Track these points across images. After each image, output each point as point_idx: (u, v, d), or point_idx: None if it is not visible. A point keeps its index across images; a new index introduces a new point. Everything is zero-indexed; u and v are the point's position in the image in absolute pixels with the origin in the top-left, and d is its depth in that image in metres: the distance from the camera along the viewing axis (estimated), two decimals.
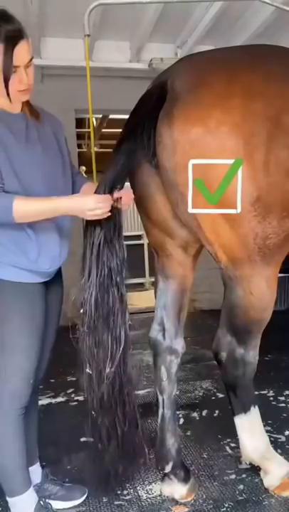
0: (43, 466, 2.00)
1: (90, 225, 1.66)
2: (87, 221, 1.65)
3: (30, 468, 1.86)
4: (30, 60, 1.55)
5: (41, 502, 1.81)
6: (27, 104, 1.67)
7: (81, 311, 1.64)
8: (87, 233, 1.68)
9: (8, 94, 1.55)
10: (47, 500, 1.89)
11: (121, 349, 1.67)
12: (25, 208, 1.54)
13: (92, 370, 1.66)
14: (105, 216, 1.60)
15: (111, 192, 1.61)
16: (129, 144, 1.66)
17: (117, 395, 1.70)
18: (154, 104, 1.64)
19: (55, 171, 1.70)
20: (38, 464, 1.97)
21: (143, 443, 1.80)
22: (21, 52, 1.51)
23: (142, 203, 1.84)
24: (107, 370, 1.65)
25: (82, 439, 2.41)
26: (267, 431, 2.02)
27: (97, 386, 1.67)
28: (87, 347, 1.68)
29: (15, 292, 1.65)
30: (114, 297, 1.67)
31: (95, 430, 1.75)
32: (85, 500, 1.96)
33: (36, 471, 1.95)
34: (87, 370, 1.66)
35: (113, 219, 1.64)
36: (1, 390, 1.67)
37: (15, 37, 1.50)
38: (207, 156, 1.55)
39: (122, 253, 1.68)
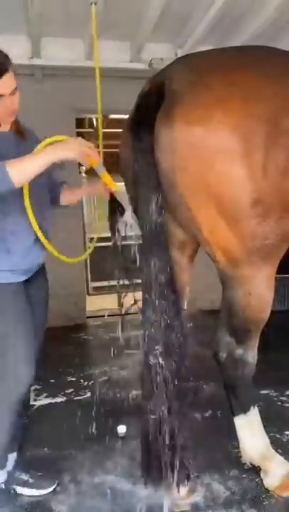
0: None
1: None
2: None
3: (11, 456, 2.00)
4: (15, 88, 1.71)
5: (3, 485, 1.92)
6: (15, 123, 1.84)
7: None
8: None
9: None
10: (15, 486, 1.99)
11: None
12: (19, 169, 1.58)
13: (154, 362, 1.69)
14: (88, 160, 1.65)
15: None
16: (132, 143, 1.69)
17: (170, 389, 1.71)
18: (153, 104, 1.64)
19: (42, 184, 1.84)
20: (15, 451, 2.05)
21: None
22: (6, 83, 1.66)
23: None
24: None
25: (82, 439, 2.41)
26: (268, 431, 2.02)
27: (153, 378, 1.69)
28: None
29: None
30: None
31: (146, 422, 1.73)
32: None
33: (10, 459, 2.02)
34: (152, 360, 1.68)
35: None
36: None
37: None
38: (206, 156, 1.55)
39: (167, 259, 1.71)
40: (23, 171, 1.58)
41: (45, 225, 1.85)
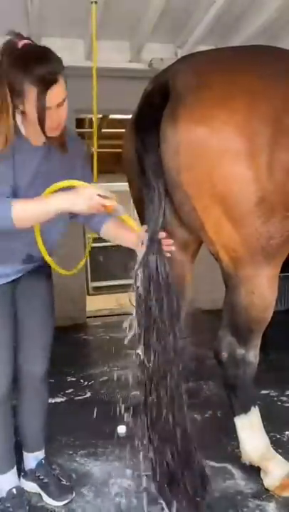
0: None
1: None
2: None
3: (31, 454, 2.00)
4: (64, 99, 1.50)
5: (14, 490, 1.85)
6: (59, 135, 1.60)
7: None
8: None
9: (43, 131, 1.50)
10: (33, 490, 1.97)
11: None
12: (22, 208, 1.48)
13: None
14: (95, 210, 1.51)
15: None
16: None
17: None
18: (157, 104, 1.64)
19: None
20: (41, 451, 2.03)
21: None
22: (54, 94, 1.45)
23: (141, 203, 1.83)
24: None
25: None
26: (268, 431, 2.02)
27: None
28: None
29: None
30: None
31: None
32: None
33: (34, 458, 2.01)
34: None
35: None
36: None
37: (48, 80, 1.44)
38: (211, 156, 1.55)
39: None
40: (25, 210, 1.47)
41: (49, 239, 1.71)
